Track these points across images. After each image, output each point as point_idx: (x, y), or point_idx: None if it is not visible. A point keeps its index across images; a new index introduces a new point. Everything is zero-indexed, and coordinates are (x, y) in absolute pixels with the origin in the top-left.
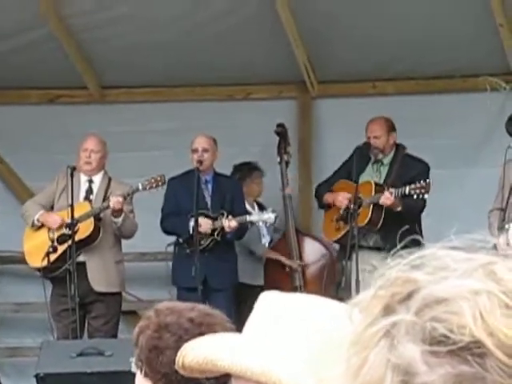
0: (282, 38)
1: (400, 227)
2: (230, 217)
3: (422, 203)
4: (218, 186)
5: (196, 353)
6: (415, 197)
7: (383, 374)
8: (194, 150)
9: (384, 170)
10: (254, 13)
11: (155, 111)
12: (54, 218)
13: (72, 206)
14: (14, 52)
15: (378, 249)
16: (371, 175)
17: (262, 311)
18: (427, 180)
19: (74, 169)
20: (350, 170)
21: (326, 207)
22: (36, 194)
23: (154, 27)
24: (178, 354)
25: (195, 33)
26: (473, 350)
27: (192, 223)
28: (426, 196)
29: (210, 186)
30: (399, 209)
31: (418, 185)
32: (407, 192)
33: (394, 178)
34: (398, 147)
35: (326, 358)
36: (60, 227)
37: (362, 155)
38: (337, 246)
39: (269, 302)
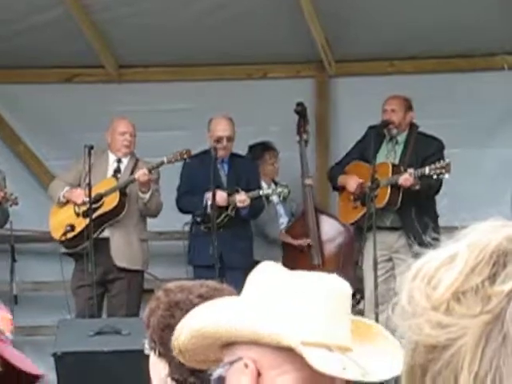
0: (299, 18)
1: (416, 207)
2: (242, 192)
3: (439, 183)
4: (233, 166)
5: (192, 326)
6: (435, 177)
7: None
8: (218, 139)
9: (399, 149)
10: None
11: (172, 90)
12: (79, 193)
13: (90, 185)
14: (31, 32)
15: (394, 228)
16: (386, 154)
17: (256, 280)
18: (447, 160)
19: (91, 148)
20: (363, 150)
21: (340, 190)
22: (54, 173)
23: (171, 6)
24: (173, 339)
25: (213, 12)
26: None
27: (207, 199)
28: (446, 176)
29: (225, 166)
30: (417, 187)
31: (437, 165)
32: (427, 172)
33: (410, 156)
34: (412, 126)
35: (329, 318)
36: (84, 203)
37: (377, 135)
38: (352, 227)
39: (262, 274)
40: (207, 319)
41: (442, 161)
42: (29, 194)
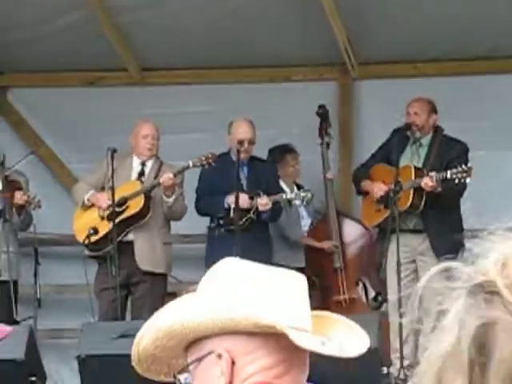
0: (321, 20)
1: (440, 210)
2: (264, 195)
3: (463, 186)
4: (253, 169)
5: (158, 326)
6: (456, 181)
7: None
8: (240, 142)
9: (423, 152)
10: None
11: (195, 93)
12: (103, 197)
13: (113, 187)
14: (53, 35)
15: (417, 231)
16: (410, 157)
17: (218, 274)
18: (468, 164)
19: (114, 151)
20: (388, 152)
21: (364, 194)
22: (77, 176)
23: (194, 8)
24: (132, 347)
25: (235, 14)
26: (485, 289)
27: (229, 200)
28: (467, 180)
29: (245, 169)
30: (439, 190)
31: (459, 169)
32: (449, 176)
33: (434, 159)
34: (437, 129)
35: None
36: (109, 206)
37: (401, 137)
38: (375, 230)
39: (224, 267)
40: (175, 317)
41: (463, 165)
42: (52, 197)
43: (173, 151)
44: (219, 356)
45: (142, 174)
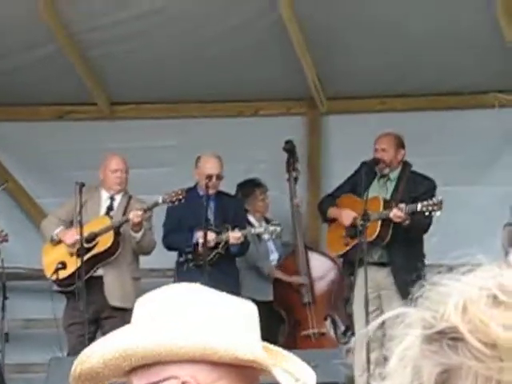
0: (290, 55)
1: (405, 243)
2: (236, 229)
3: (429, 221)
4: (220, 203)
5: (103, 352)
6: (427, 214)
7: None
8: (208, 177)
9: (391, 186)
10: (263, 30)
11: (164, 127)
12: (71, 233)
13: (81, 222)
14: (23, 69)
15: (382, 264)
16: (378, 190)
17: (147, 306)
18: (439, 198)
19: (83, 185)
20: (355, 184)
21: (330, 222)
22: (46, 210)
23: (163, 44)
24: (74, 364)
25: (205, 49)
26: (448, 335)
27: (196, 237)
28: (437, 213)
29: (212, 204)
30: (407, 222)
31: (430, 202)
32: (419, 209)
33: (402, 193)
34: (405, 164)
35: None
36: (76, 243)
37: (369, 170)
38: (340, 261)
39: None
40: (136, 340)
41: (434, 198)
42: (20, 231)
43: (140, 185)
44: (183, 383)
45: (110, 208)
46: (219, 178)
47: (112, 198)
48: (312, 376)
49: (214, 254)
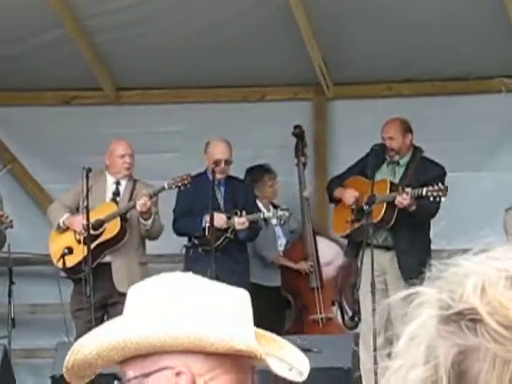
0: (297, 40)
1: (411, 227)
2: (243, 213)
3: (436, 206)
4: (230, 188)
5: (96, 343)
6: (431, 199)
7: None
8: (217, 162)
9: (400, 171)
10: (270, 15)
11: (170, 113)
12: (79, 220)
13: (87, 207)
14: (28, 54)
15: (386, 248)
16: (386, 175)
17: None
18: (445, 184)
19: (89, 170)
20: (365, 167)
21: (336, 202)
22: (52, 196)
23: (168, 29)
24: (68, 354)
25: (210, 34)
26: (467, 316)
27: (206, 220)
28: (442, 199)
29: (222, 189)
30: (413, 208)
31: (435, 187)
32: (424, 193)
33: (410, 179)
34: (416, 149)
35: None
36: (85, 230)
37: (379, 155)
38: (345, 242)
39: (140, 291)
40: (129, 331)
41: (439, 184)
42: (27, 216)
43: (147, 170)
44: (178, 373)
45: (116, 193)
46: (227, 163)
47: (118, 183)
48: (306, 364)
49: (222, 238)
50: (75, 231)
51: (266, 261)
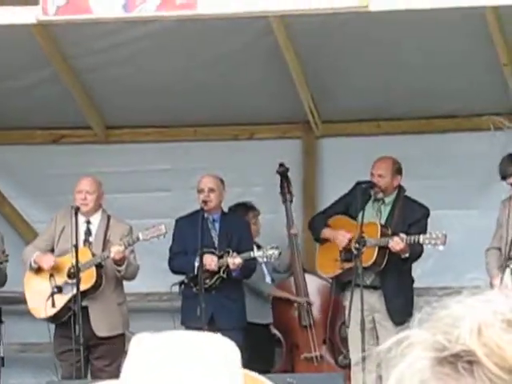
0: (286, 79)
1: (399, 269)
2: (234, 254)
3: (421, 248)
4: (225, 225)
5: None
6: (429, 246)
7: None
8: (200, 191)
9: (385, 210)
10: (259, 54)
11: (159, 151)
12: (48, 257)
13: (77, 246)
14: (18, 92)
15: (374, 287)
16: (372, 213)
17: (137, 357)
18: (444, 231)
19: (78, 209)
20: (349, 205)
21: (322, 241)
22: (41, 234)
23: (158, 68)
24: None
25: (199, 73)
26: (463, 358)
27: (197, 261)
28: (440, 248)
29: (217, 226)
30: (407, 255)
31: (433, 235)
32: (421, 241)
33: (397, 219)
34: (400, 188)
35: None
36: (54, 269)
37: (364, 192)
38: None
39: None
40: None
41: (438, 232)
42: (16, 255)
43: (136, 209)
44: None
45: (88, 233)
46: (211, 190)
47: (88, 222)
48: None
49: (215, 278)
50: (51, 275)
51: (264, 294)
